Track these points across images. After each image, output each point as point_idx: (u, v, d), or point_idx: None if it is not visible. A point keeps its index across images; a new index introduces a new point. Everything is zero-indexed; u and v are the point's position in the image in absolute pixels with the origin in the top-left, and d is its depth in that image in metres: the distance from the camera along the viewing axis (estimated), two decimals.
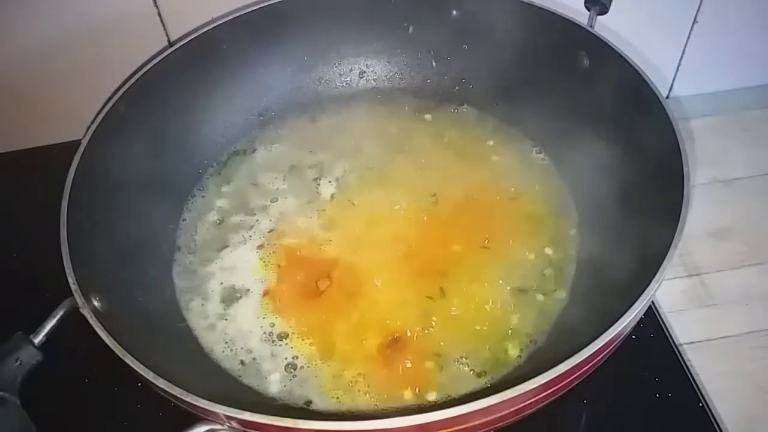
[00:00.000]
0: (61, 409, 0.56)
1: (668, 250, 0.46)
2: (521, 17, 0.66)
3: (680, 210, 0.48)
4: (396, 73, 0.76)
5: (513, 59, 0.69)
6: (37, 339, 0.48)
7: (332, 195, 0.67)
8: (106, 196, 0.57)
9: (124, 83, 0.62)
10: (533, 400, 0.42)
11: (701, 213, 0.71)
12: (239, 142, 0.71)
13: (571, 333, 0.54)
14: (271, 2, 0.68)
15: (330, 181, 0.68)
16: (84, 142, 0.56)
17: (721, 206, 0.73)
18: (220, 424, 0.42)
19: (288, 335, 0.58)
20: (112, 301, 0.50)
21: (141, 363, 0.43)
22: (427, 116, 0.73)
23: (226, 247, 0.64)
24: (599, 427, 0.56)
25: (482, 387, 0.54)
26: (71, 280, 0.48)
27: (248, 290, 0.61)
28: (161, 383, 0.42)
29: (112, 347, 0.44)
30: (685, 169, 0.51)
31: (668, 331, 0.62)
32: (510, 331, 0.57)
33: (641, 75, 0.58)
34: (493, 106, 0.72)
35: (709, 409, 0.56)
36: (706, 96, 0.84)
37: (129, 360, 0.43)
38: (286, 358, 0.56)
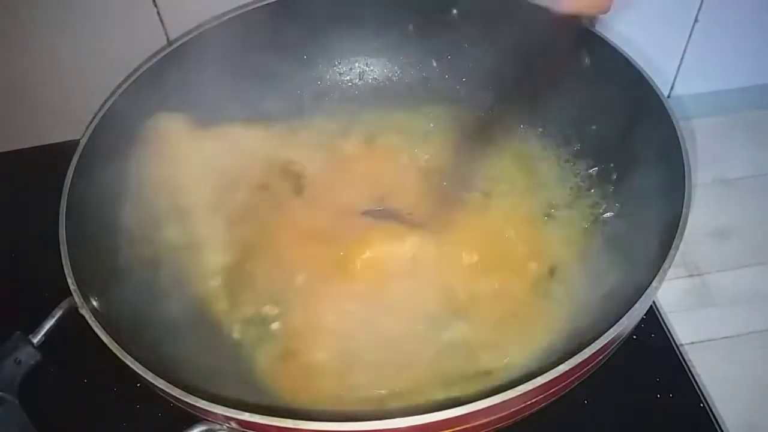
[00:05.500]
0: (60, 409, 0.56)
1: (669, 250, 0.46)
2: (522, 16, 0.66)
3: (681, 210, 0.48)
4: (396, 72, 0.76)
5: (514, 58, 0.68)
6: (36, 339, 0.48)
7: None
8: (106, 196, 0.57)
9: (123, 82, 0.61)
10: (533, 400, 0.42)
11: (702, 213, 0.71)
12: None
13: (572, 334, 0.54)
14: (270, 1, 0.68)
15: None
16: (83, 142, 0.56)
17: (722, 206, 0.73)
18: (220, 424, 0.42)
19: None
20: (111, 301, 0.50)
21: (140, 363, 0.43)
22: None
23: None
24: (599, 427, 0.56)
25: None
26: (70, 280, 0.47)
27: None
28: (161, 383, 0.42)
29: (111, 347, 0.44)
30: (686, 169, 0.51)
31: (669, 332, 0.61)
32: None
33: (642, 74, 0.58)
34: (493, 106, 0.72)
35: (710, 409, 0.56)
36: (708, 95, 0.84)
37: (128, 360, 0.43)
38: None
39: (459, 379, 0.53)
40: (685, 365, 0.59)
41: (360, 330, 0.57)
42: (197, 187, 0.65)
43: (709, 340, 0.63)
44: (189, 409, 0.42)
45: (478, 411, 0.39)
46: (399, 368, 0.54)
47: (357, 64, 0.76)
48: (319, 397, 0.53)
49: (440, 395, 0.52)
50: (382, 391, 0.53)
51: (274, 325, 0.58)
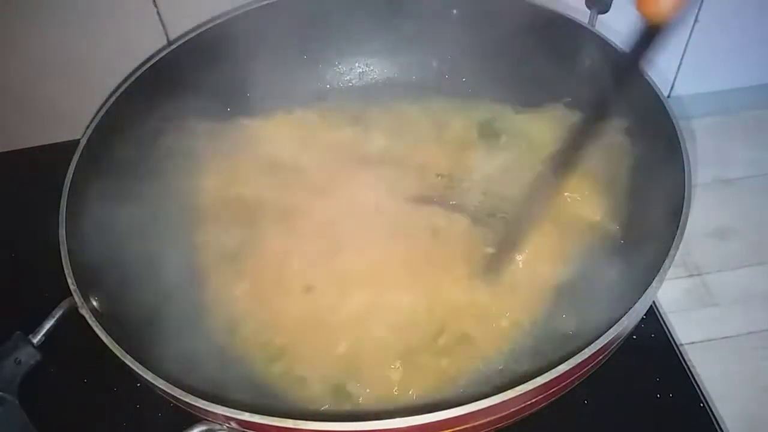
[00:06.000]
0: (60, 409, 0.56)
1: (669, 249, 0.46)
2: (522, 16, 0.66)
3: (681, 210, 0.48)
4: (396, 72, 0.76)
5: (514, 58, 0.69)
6: (36, 339, 0.48)
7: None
8: (105, 196, 0.57)
9: (123, 82, 0.61)
10: (534, 400, 0.42)
11: (702, 213, 0.71)
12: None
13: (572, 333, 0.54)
14: (270, 1, 0.68)
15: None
16: (83, 142, 0.56)
17: (722, 206, 0.73)
18: (220, 424, 0.42)
19: None
20: (111, 301, 0.50)
21: (140, 363, 0.43)
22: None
23: None
24: (599, 427, 0.56)
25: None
26: (70, 280, 0.47)
27: None
28: (160, 383, 0.42)
29: (111, 347, 0.44)
30: (686, 169, 0.51)
31: (669, 332, 0.61)
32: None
33: (642, 74, 0.58)
34: (493, 105, 0.72)
35: (710, 409, 0.56)
36: (708, 95, 0.84)
37: (128, 360, 0.43)
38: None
39: None
40: (685, 365, 0.59)
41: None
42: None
43: (709, 340, 0.63)
44: (189, 409, 0.42)
45: (478, 411, 0.39)
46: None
47: (357, 65, 0.76)
48: None
49: None
50: None
51: None
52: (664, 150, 0.54)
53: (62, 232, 0.50)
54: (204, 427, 0.42)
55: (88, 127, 0.58)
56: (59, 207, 0.52)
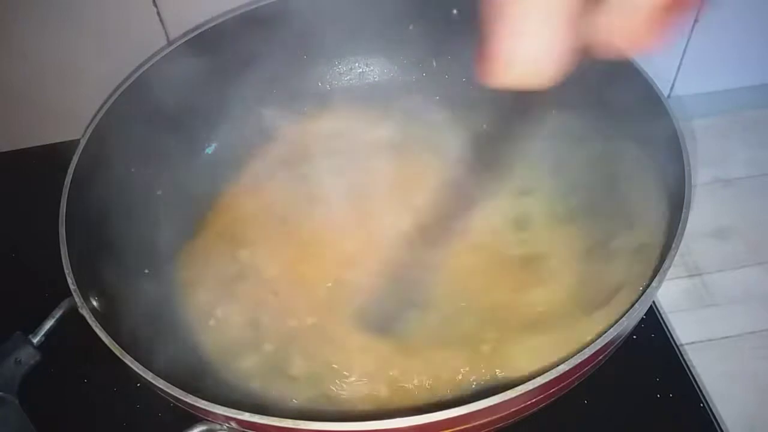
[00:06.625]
0: (60, 409, 0.56)
1: (669, 250, 0.46)
2: None
3: (681, 210, 0.48)
4: (397, 72, 0.76)
5: None
6: (36, 339, 0.48)
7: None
8: (106, 196, 0.57)
9: (123, 82, 0.61)
10: (533, 400, 0.42)
11: (702, 213, 0.71)
12: (238, 143, 0.71)
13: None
14: (270, 1, 0.68)
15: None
16: (83, 141, 0.56)
17: (722, 206, 0.73)
18: (220, 424, 0.42)
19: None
20: (111, 301, 0.50)
21: (140, 363, 0.43)
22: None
23: None
24: (599, 427, 0.56)
25: None
26: (70, 280, 0.47)
27: None
28: (160, 383, 0.42)
29: (111, 347, 0.44)
30: (686, 169, 0.51)
31: (669, 332, 0.61)
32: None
33: (642, 74, 0.58)
34: (492, 106, 0.72)
35: (710, 409, 0.56)
36: (708, 95, 0.84)
37: (128, 360, 0.43)
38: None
39: None
40: (685, 365, 0.59)
41: None
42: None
43: (709, 340, 0.63)
44: (189, 409, 0.42)
45: (478, 411, 0.39)
46: None
47: (357, 65, 0.76)
48: None
49: None
50: None
51: None
52: (664, 150, 0.54)
53: (62, 232, 0.50)
54: (204, 427, 0.42)
55: (88, 127, 0.58)
56: (59, 207, 0.52)
